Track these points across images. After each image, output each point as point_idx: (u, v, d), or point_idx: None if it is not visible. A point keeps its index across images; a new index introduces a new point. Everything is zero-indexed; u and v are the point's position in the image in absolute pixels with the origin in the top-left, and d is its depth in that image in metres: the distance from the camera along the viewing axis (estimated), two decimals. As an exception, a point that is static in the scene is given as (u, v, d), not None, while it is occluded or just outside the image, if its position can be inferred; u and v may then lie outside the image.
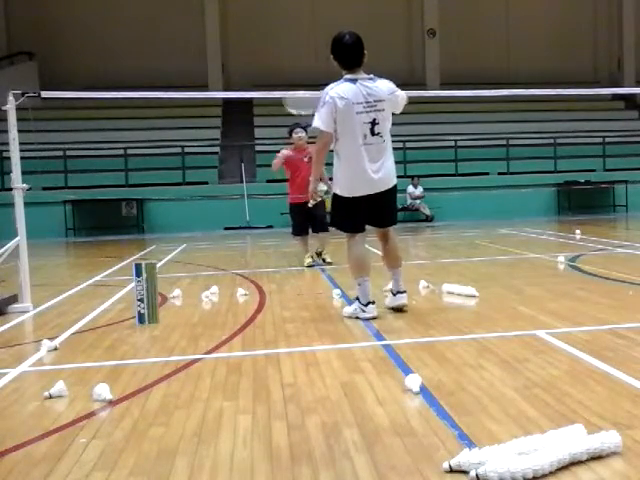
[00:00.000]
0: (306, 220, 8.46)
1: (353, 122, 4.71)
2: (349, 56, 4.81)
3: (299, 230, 8.60)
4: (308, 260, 8.35)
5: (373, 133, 4.79)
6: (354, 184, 4.83)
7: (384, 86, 4.89)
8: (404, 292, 5.15)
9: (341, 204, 4.96)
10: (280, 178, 16.17)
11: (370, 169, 4.78)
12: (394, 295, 5.16)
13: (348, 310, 5.08)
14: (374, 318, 4.89)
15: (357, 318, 4.94)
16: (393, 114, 5.02)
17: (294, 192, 8.47)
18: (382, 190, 4.88)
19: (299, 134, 8.43)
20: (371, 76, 4.87)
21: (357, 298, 5.01)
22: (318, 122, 4.75)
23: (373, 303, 4.96)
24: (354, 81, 4.76)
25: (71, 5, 22.40)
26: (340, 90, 4.72)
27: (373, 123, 4.77)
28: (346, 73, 4.82)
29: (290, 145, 8.69)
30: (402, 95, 5.07)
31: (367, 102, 4.74)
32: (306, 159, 8.41)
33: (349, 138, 4.74)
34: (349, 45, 4.80)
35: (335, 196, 4.97)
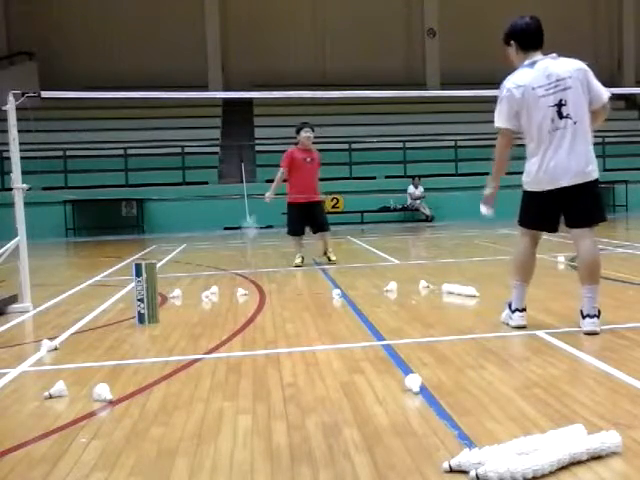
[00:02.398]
0: (303, 221, 8.48)
1: (538, 107, 4.22)
2: (528, 36, 4.39)
3: (294, 230, 8.65)
4: (297, 260, 8.39)
5: (561, 116, 4.21)
6: (542, 176, 4.26)
7: (566, 64, 4.33)
8: (595, 316, 4.20)
9: (526, 198, 4.47)
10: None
11: (560, 158, 4.19)
12: (583, 318, 4.24)
13: (503, 316, 4.61)
14: (521, 327, 4.40)
15: (507, 325, 4.50)
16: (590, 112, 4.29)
17: (293, 192, 8.49)
18: (575, 184, 4.19)
19: (307, 133, 8.44)
20: (553, 55, 4.38)
21: (509, 303, 4.55)
22: (498, 121, 4.36)
23: (523, 310, 4.44)
24: (532, 65, 4.32)
25: (71, 5, 22.41)
26: (515, 79, 4.31)
27: (560, 104, 4.21)
28: (526, 58, 4.37)
29: (296, 145, 8.69)
30: (600, 89, 4.32)
31: (548, 83, 4.24)
32: (309, 159, 8.43)
33: (537, 126, 4.24)
34: (530, 25, 4.43)
35: (523, 193, 4.49)
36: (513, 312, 4.45)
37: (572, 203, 4.24)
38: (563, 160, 4.17)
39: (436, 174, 18.89)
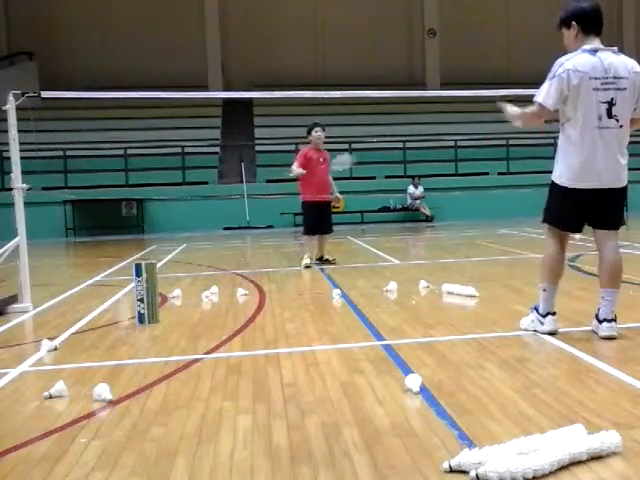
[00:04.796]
0: (319, 220, 8.47)
1: (589, 99, 4.01)
2: (593, 19, 4.14)
3: (312, 230, 8.62)
4: (306, 261, 8.31)
5: (610, 115, 4.04)
6: (580, 173, 4.07)
7: (627, 62, 4.15)
8: (612, 321, 4.11)
9: (558, 193, 4.20)
10: (280, 178, 16.22)
11: (602, 157, 4.03)
12: (599, 323, 4.14)
13: (525, 322, 4.39)
14: (552, 334, 4.20)
15: (535, 331, 4.27)
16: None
17: (309, 192, 8.49)
18: (610, 187, 4.08)
19: (318, 133, 8.47)
20: (614, 49, 4.19)
21: (535, 307, 4.34)
22: (543, 96, 4.05)
23: (554, 314, 4.25)
24: (594, 52, 4.09)
25: (71, 5, 22.42)
26: (577, 62, 4.03)
27: (610, 103, 4.03)
28: (584, 42, 4.13)
29: (307, 144, 8.71)
30: None
31: (606, 77, 4.03)
32: (322, 159, 8.45)
33: (582, 118, 4.03)
34: (594, 8, 4.16)
35: (553, 185, 4.24)
36: (545, 316, 4.23)
37: (605, 205, 4.13)
38: (607, 160, 4.04)
39: (436, 174, 18.89)
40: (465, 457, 2.29)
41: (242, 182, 18.04)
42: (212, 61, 23.11)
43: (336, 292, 6.01)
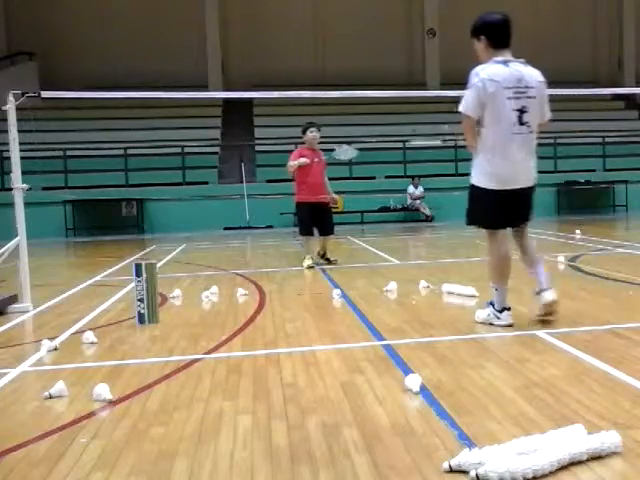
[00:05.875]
0: (313, 220, 8.46)
1: (504, 107, 4.32)
2: (501, 33, 4.48)
3: (306, 230, 8.58)
4: (308, 262, 8.27)
5: (521, 122, 4.37)
6: (503, 176, 4.40)
7: (534, 73, 4.49)
8: (549, 288, 4.58)
9: (484, 198, 4.48)
10: (280, 178, 16.22)
11: (517, 161, 4.39)
12: (543, 292, 4.57)
13: (481, 315, 4.67)
14: (509, 326, 4.48)
15: (490, 325, 4.55)
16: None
17: (303, 192, 8.48)
18: (525, 187, 4.49)
19: (313, 133, 8.46)
20: (523, 60, 4.50)
21: (491, 303, 4.61)
22: (464, 106, 4.39)
23: (509, 310, 4.55)
24: (505, 63, 4.40)
25: (71, 5, 22.41)
26: (491, 72, 4.34)
27: (521, 111, 4.37)
28: (494, 55, 4.44)
29: (302, 145, 8.71)
30: (548, 107, 4.67)
31: (518, 87, 4.36)
32: (316, 159, 8.43)
33: (498, 125, 4.34)
34: (501, 22, 4.51)
35: (475, 189, 4.53)
36: (501, 312, 4.53)
37: (522, 203, 4.54)
38: (521, 163, 4.41)
39: (436, 174, 18.89)
40: (465, 457, 2.29)
41: (242, 182, 18.04)
42: (212, 61, 23.10)
43: (336, 292, 6.01)
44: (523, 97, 4.37)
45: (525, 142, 4.40)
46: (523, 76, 4.39)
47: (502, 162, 4.37)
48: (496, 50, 4.46)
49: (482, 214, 4.56)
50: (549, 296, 4.52)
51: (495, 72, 4.34)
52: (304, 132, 8.53)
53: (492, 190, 4.42)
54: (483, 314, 4.65)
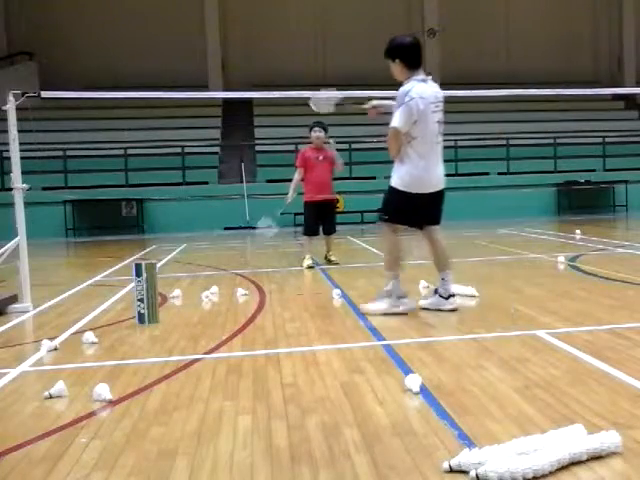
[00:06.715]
0: (318, 220, 8.48)
1: (430, 121, 4.89)
2: (415, 55, 4.97)
3: (311, 230, 8.60)
4: (308, 262, 8.27)
5: (439, 132, 5.01)
6: (425, 181, 4.98)
7: (438, 87, 5.06)
8: (454, 295, 5.17)
9: (404, 199, 5.00)
10: (280, 178, 16.21)
11: (438, 167, 5.04)
12: (446, 298, 5.13)
13: (379, 307, 5.10)
14: (406, 313, 5.00)
15: (393, 314, 5.00)
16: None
17: (308, 191, 8.53)
18: (440, 189, 5.10)
19: (316, 133, 8.50)
20: (431, 77, 5.04)
21: (388, 293, 5.09)
22: (397, 122, 4.84)
23: (406, 297, 5.12)
24: (425, 81, 4.94)
25: (71, 5, 22.40)
26: (419, 90, 4.84)
27: (439, 122, 4.99)
28: (411, 74, 4.93)
29: (309, 144, 8.75)
30: None
31: (436, 102, 4.94)
32: (321, 158, 8.46)
33: (427, 137, 4.91)
34: (415, 45, 4.98)
35: (399, 192, 5.00)
36: (447, 298, 5.08)
37: (437, 204, 5.15)
38: (440, 169, 5.06)
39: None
40: (465, 457, 2.29)
41: (242, 182, 18.03)
42: (212, 61, 23.09)
43: (336, 292, 6.01)
44: (439, 110, 4.97)
45: (441, 149, 5.06)
46: (437, 92, 4.98)
47: (427, 169, 4.93)
48: (411, 70, 4.93)
49: (402, 215, 5.06)
50: (451, 305, 5.07)
51: (422, 90, 4.85)
52: (310, 131, 8.58)
53: (414, 194, 4.95)
54: (381, 306, 5.08)
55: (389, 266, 5.16)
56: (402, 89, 4.88)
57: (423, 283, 6.34)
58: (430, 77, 5.00)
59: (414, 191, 4.95)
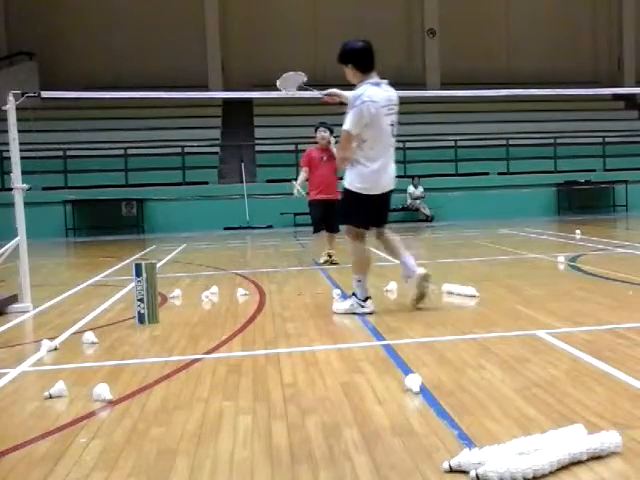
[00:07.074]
0: (322, 218, 8.57)
1: (383, 124, 4.96)
2: (368, 60, 5.03)
3: (317, 227, 8.77)
4: (324, 258, 8.47)
5: (392, 134, 5.09)
6: (379, 182, 5.08)
7: (393, 91, 5.12)
8: (418, 267, 5.25)
9: (360, 201, 5.09)
10: (280, 178, 16.23)
11: (390, 168, 5.14)
12: (408, 280, 5.29)
13: (343, 306, 5.21)
14: (371, 313, 5.08)
15: (354, 314, 5.07)
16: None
17: (312, 190, 8.69)
18: (391, 188, 5.23)
19: (321, 133, 8.63)
20: (386, 81, 5.09)
21: (354, 294, 5.18)
22: (349, 126, 4.91)
23: (370, 298, 5.17)
24: (378, 85, 5.00)
25: (71, 5, 22.40)
26: (371, 94, 4.90)
27: (392, 125, 5.06)
28: (364, 78, 4.99)
29: (313, 144, 8.91)
30: None
31: (389, 105, 5.00)
32: (326, 158, 8.54)
33: (379, 139, 4.99)
34: (367, 49, 5.03)
35: (352, 194, 5.09)
36: (365, 300, 5.12)
37: (387, 204, 5.32)
38: (391, 170, 5.15)
39: (436, 174, 18.88)
40: (465, 457, 2.29)
41: (242, 182, 18.03)
42: (212, 61, 23.09)
43: (336, 292, 6.00)
44: (392, 113, 5.02)
45: (393, 151, 5.16)
46: (390, 95, 5.03)
47: (378, 170, 5.00)
48: (364, 74, 4.99)
49: (361, 216, 5.14)
50: (421, 270, 5.15)
51: (374, 94, 4.90)
52: (315, 132, 8.74)
53: (370, 195, 5.05)
54: (345, 305, 5.19)
55: (354, 271, 5.25)
56: (354, 93, 4.96)
57: (392, 285, 6.32)
58: (385, 81, 5.06)
59: (366, 192, 5.05)
